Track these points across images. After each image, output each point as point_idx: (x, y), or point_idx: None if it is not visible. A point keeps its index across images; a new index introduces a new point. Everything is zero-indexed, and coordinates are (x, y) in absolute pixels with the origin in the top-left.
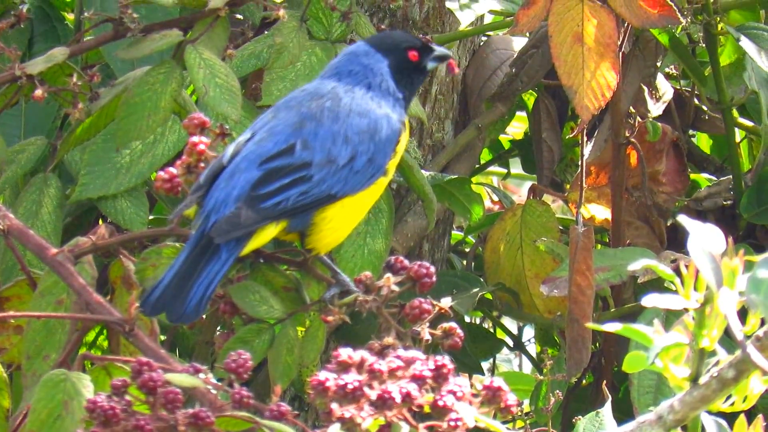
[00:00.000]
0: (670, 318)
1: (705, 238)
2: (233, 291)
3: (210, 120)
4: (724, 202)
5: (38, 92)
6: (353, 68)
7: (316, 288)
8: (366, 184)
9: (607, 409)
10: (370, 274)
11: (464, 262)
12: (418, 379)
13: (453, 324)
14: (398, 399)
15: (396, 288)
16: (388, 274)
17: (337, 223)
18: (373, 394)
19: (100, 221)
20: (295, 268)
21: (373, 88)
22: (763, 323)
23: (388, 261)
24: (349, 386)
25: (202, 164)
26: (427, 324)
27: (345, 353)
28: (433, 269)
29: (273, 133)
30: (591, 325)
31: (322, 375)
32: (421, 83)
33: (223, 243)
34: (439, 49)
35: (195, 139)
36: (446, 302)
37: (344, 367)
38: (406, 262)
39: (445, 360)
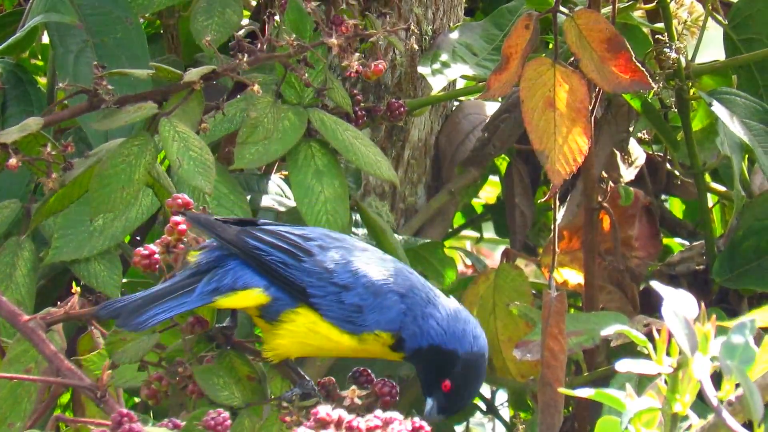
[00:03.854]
0: (643, 382)
1: (678, 304)
2: (198, 372)
3: (193, 202)
4: (697, 267)
5: (12, 161)
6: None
7: (280, 383)
8: (342, 322)
9: None
10: (334, 380)
11: None
12: None
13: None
14: None
15: (359, 401)
16: (353, 387)
17: (298, 331)
18: None
19: (74, 284)
20: (262, 360)
21: (406, 299)
22: (737, 388)
23: (355, 371)
24: None
25: (182, 245)
26: None
27: (323, 410)
28: (397, 389)
29: (307, 229)
30: (564, 389)
31: (301, 430)
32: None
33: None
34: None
35: (177, 218)
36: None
37: (323, 425)
38: (372, 375)
39: (423, 422)
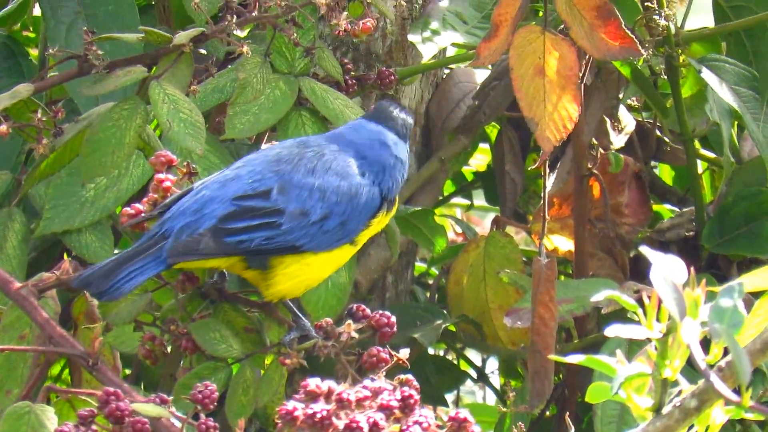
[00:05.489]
0: (633, 349)
1: (667, 269)
2: (194, 328)
3: (177, 157)
4: (687, 233)
5: (3, 128)
6: (353, 137)
7: (277, 330)
8: (332, 246)
9: None
10: (331, 321)
11: (428, 294)
12: (385, 409)
13: (409, 375)
14: (366, 429)
15: (356, 335)
16: (349, 321)
17: (294, 271)
18: (340, 424)
19: (65, 255)
20: (257, 309)
21: (362, 158)
22: (725, 352)
23: (350, 308)
24: (318, 416)
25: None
26: (384, 373)
27: (313, 383)
28: (394, 319)
29: (251, 163)
30: (554, 356)
31: (290, 404)
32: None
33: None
34: None
35: (161, 175)
36: (405, 353)
37: (312, 397)
38: (368, 311)
39: (412, 391)
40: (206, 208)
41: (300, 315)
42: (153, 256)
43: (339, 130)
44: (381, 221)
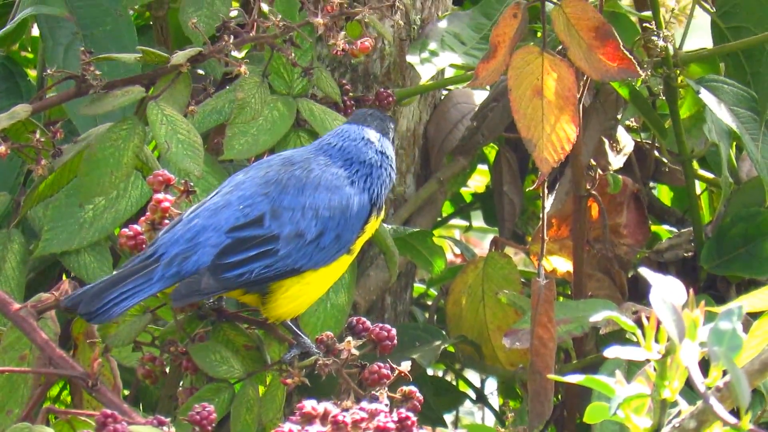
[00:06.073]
0: (632, 369)
1: (666, 290)
2: (194, 351)
3: (174, 177)
4: (685, 254)
5: (2, 149)
6: (340, 143)
7: (278, 348)
8: (330, 260)
9: None
10: (332, 334)
11: (427, 315)
12: (381, 431)
13: (412, 387)
14: None
15: (356, 352)
16: (349, 338)
17: (294, 293)
18: None
19: (64, 276)
20: (257, 327)
21: (350, 163)
22: (724, 372)
23: (350, 322)
24: None
25: (166, 221)
26: (386, 388)
27: (309, 405)
28: (394, 332)
29: (239, 188)
30: (553, 376)
31: (286, 426)
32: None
33: (176, 301)
34: None
35: (159, 196)
36: (406, 366)
37: (308, 419)
38: (368, 324)
39: (409, 412)
40: (200, 236)
41: (299, 332)
42: (144, 278)
43: (324, 138)
44: (373, 225)
